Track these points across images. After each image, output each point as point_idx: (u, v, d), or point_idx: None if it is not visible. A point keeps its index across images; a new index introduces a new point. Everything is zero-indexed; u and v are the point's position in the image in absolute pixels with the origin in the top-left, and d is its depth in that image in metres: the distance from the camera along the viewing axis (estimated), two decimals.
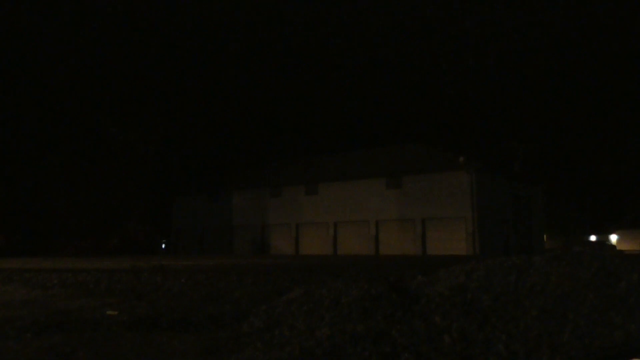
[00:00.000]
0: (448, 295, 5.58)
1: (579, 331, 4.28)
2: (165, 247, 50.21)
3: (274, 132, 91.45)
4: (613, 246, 55.06)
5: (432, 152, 38.55)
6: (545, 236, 47.71)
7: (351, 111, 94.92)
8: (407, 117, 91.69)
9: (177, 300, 8.34)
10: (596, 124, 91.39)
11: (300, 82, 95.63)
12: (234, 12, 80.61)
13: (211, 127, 73.96)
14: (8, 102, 45.59)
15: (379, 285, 6.25)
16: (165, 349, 5.01)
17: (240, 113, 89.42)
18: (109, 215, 47.00)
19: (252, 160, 60.55)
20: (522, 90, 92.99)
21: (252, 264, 20.11)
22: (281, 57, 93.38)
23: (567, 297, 5.06)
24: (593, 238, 64.89)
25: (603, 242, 60.00)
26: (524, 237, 39.42)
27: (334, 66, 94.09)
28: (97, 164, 47.00)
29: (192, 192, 48.65)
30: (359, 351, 4.29)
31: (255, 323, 5.78)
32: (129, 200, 48.11)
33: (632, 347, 2.06)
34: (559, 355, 3.91)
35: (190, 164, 57.32)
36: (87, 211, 45.53)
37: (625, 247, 58.73)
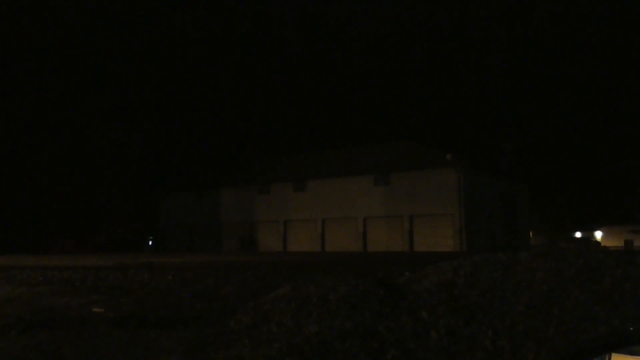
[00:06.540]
0: (435, 292, 5.62)
1: (564, 326, 4.33)
2: (152, 244, 49.91)
3: (262, 128, 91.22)
4: (598, 243, 55.63)
5: (419, 149, 38.68)
6: (531, 233, 48.09)
7: (339, 108, 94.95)
8: (395, 114, 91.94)
9: (165, 297, 8.30)
10: (582, 123, 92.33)
11: (289, 79, 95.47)
12: (225, 8, 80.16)
13: (198, 124, 73.56)
14: None
15: (367, 282, 6.28)
16: (153, 346, 4.99)
17: (228, 109, 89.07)
18: (95, 212, 46.60)
19: (239, 156, 60.31)
20: (509, 88, 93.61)
21: (240, 261, 20.06)
22: (270, 53, 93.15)
23: (552, 293, 5.11)
24: (578, 235, 65.51)
25: (588, 238, 60.64)
26: (510, 234, 39.70)
27: (322, 63, 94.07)
28: (84, 161, 46.57)
29: (180, 189, 48.37)
30: (346, 347, 4.31)
31: (243, 320, 5.78)
32: (115, 198, 47.74)
33: (614, 341, 2.08)
34: (544, 350, 3.96)
35: (177, 160, 57.03)
36: (73, 208, 45.09)
37: (610, 243, 59.39)
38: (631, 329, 4.22)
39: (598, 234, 65.56)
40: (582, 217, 68.55)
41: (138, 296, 8.44)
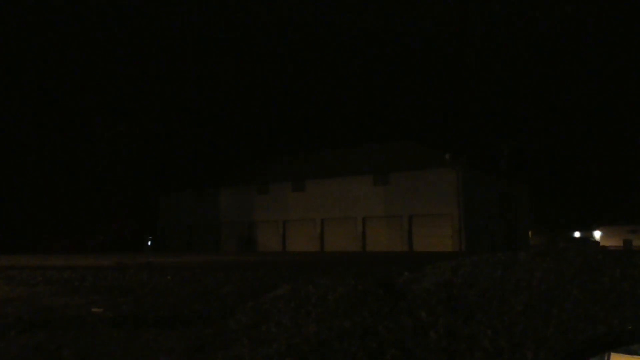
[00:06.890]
0: (434, 291, 5.62)
1: (563, 326, 4.33)
2: (151, 244, 49.88)
3: (261, 128, 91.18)
4: (597, 242, 55.66)
5: (419, 149, 38.70)
6: (530, 233, 48.11)
7: (339, 108, 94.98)
8: (395, 114, 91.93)
9: (164, 297, 8.30)
10: (581, 123, 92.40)
11: (288, 78, 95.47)
12: (225, 7, 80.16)
13: (198, 123, 73.51)
14: None
15: (366, 282, 6.28)
16: (152, 346, 4.98)
17: (227, 109, 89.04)
18: (95, 212, 46.54)
19: (239, 156, 60.21)
20: (508, 89, 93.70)
21: (239, 261, 20.06)
22: (268, 53, 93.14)
23: (551, 293, 5.12)
24: (577, 234, 65.58)
25: (587, 238, 60.67)
26: (509, 234, 39.74)
27: (321, 63, 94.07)
28: (83, 160, 46.49)
29: (179, 189, 48.38)
30: (345, 347, 4.31)
31: (242, 320, 5.78)
32: (114, 197, 47.66)
33: (613, 341, 2.09)
34: (543, 350, 3.96)
35: (176, 160, 56.92)
36: (72, 208, 45.04)
37: (609, 243, 59.45)
38: (630, 328, 4.23)
39: (597, 234, 65.65)
40: (581, 217, 68.59)
41: (137, 296, 8.44)
